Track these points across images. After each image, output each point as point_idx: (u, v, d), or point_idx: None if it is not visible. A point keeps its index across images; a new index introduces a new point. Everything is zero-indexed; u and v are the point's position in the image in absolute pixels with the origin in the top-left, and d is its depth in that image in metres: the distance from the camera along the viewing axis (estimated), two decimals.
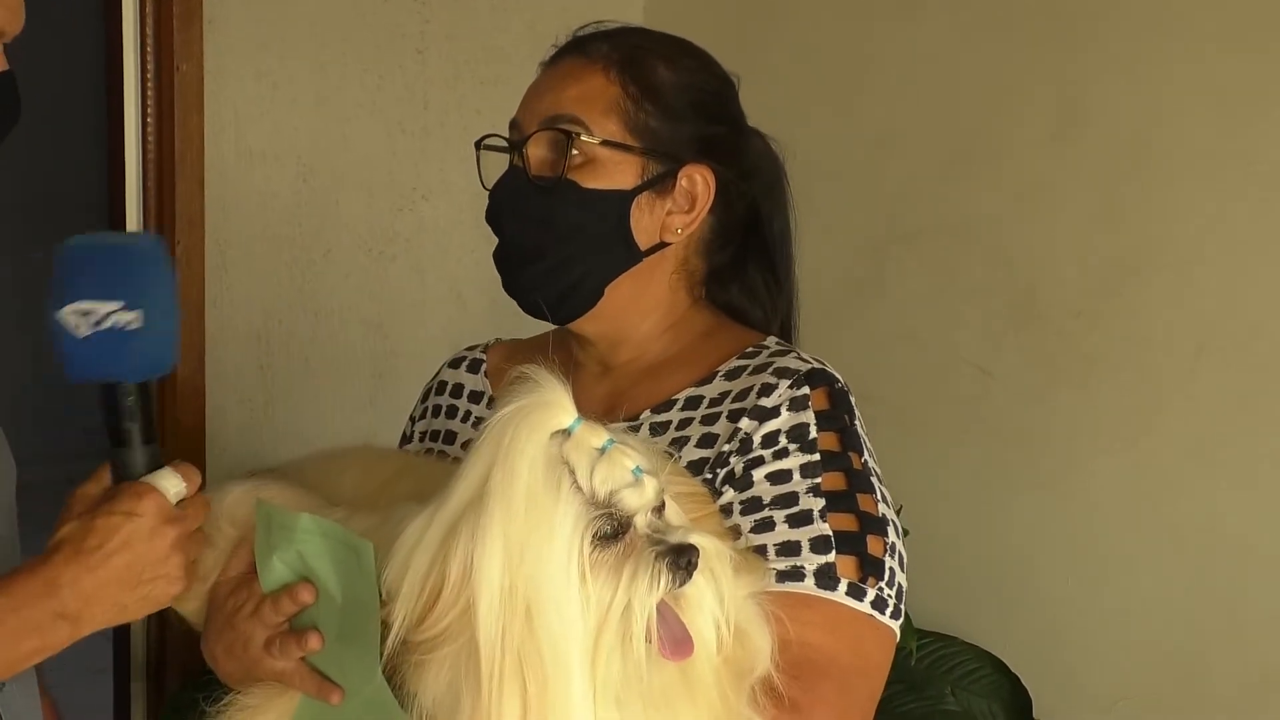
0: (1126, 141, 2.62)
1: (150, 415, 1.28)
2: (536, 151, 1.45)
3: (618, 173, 1.44)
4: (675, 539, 1.11)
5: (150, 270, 1.28)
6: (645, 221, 1.46)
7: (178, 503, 1.26)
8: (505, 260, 1.49)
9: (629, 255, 1.46)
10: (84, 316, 1.22)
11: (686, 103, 1.47)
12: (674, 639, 1.11)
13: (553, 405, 1.10)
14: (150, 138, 2.81)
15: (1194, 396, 2.55)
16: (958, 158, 2.86)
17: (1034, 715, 2.66)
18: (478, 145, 1.52)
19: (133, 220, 2.84)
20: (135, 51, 2.80)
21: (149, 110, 2.80)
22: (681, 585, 1.11)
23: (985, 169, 2.82)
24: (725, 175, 1.49)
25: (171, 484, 1.25)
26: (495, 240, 1.51)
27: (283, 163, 2.97)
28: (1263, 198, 2.46)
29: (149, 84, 2.80)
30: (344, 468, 1.39)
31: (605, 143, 1.43)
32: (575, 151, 1.42)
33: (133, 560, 1.22)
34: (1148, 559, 2.62)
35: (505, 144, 1.49)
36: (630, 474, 1.10)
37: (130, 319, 1.23)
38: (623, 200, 1.44)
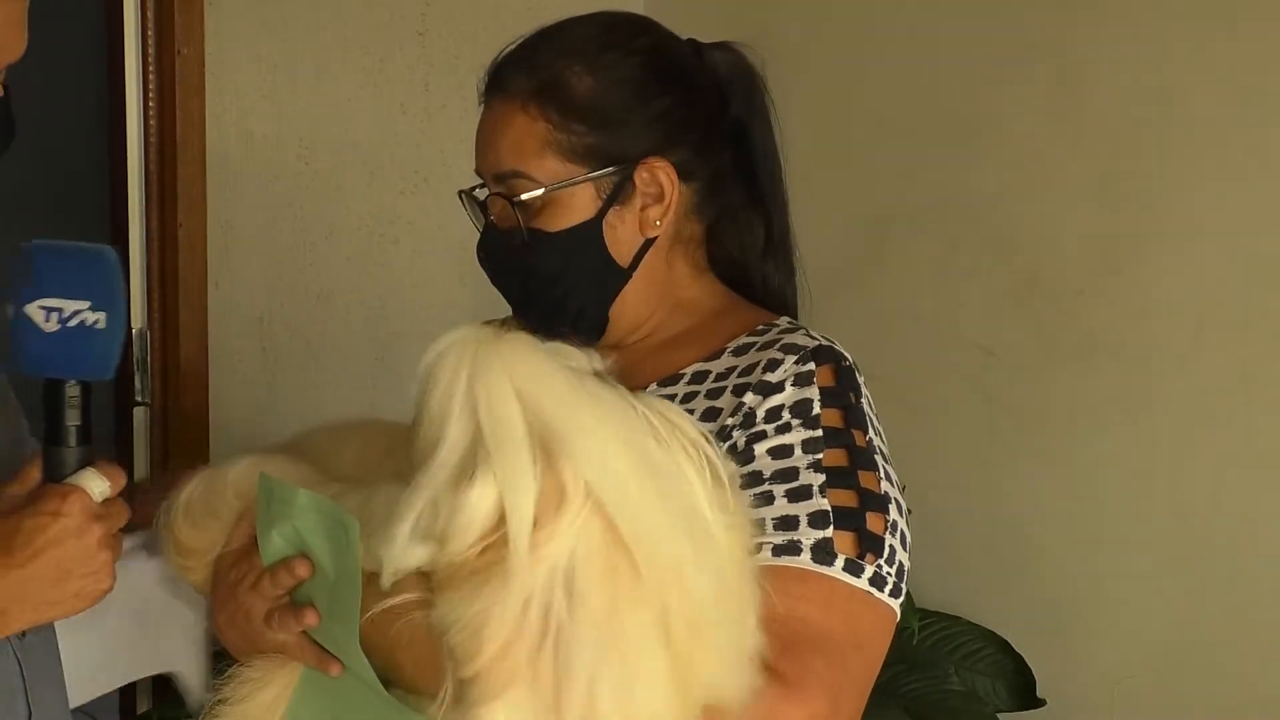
0: (1127, 118, 2.62)
1: (89, 415, 1.29)
2: (498, 209, 1.46)
3: (577, 205, 1.42)
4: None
5: (114, 277, 1.31)
6: (621, 233, 1.44)
7: (102, 502, 1.26)
8: (512, 307, 1.53)
9: (619, 275, 1.46)
10: (53, 312, 1.25)
11: (616, 103, 1.43)
12: None
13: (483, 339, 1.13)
14: (152, 121, 2.81)
15: (1195, 372, 2.55)
16: (958, 136, 2.86)
17: (1038, 694, 2.67)
18: (460, 195, 1.54)
19: (135, 203, 2.84)
20: (136, 35, 2.80)
21: (150, 94, 2.80)
22: None
23: (986, 147, 2.82)
24: (685, 148, 1.46)
25: (96, 485, 1.26)
26: None
27: (284, 145, 2.97)
28: (1263, 173, 2.46)
29: (150, 68, 2.80)
30: (345, 441, 1.40)
31: (551, 187, 1.41)
32: (527, 205, 1.42)
33: (61, 558, 1.22)
34: (1150, 536, 2.62)
35: (477, 200, 1.50)
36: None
37: (96, 319, 1.26)
38: (591, 229, 1.43)
